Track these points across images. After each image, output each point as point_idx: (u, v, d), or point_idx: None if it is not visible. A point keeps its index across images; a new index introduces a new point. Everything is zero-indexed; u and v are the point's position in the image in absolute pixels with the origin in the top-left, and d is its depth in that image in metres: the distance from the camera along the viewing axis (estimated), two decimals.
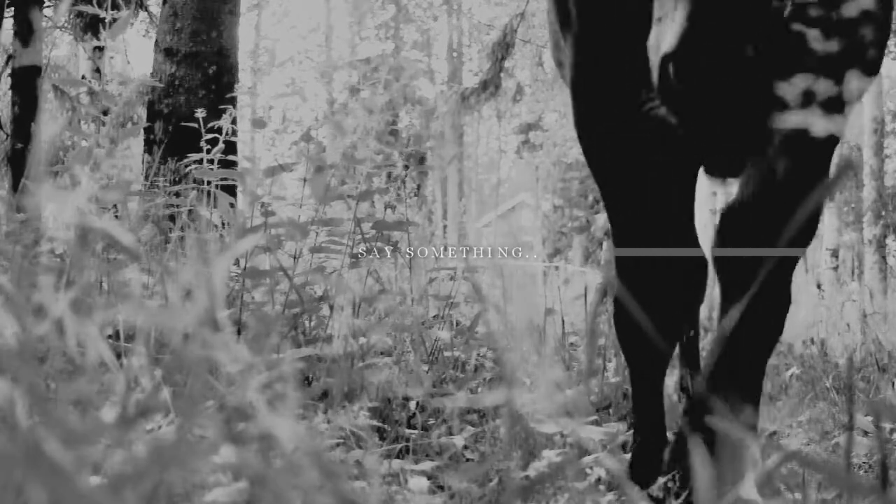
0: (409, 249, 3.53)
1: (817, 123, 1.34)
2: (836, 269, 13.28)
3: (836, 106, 1.41)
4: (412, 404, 2.18)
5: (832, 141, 1.49)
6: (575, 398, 2.27)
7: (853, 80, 1.43)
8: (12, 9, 5.85)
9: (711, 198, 8.73)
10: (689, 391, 2.47)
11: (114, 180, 2.93)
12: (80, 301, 0.83)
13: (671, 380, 2.51)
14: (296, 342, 2.46)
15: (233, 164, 4.72)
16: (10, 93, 5.84)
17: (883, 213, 12.12)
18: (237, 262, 2.55)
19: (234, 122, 4.39)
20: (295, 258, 2.72)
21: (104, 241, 1.60)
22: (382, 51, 25.57)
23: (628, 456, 1.87)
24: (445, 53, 26.31)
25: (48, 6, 8.21)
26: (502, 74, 12.32)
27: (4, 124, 6.09)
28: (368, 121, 3.13)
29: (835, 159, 1.57)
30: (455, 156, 24.09)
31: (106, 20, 2.95)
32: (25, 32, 5.53)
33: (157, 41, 6.73)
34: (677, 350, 2.52)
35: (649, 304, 1.69)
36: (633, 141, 1.63)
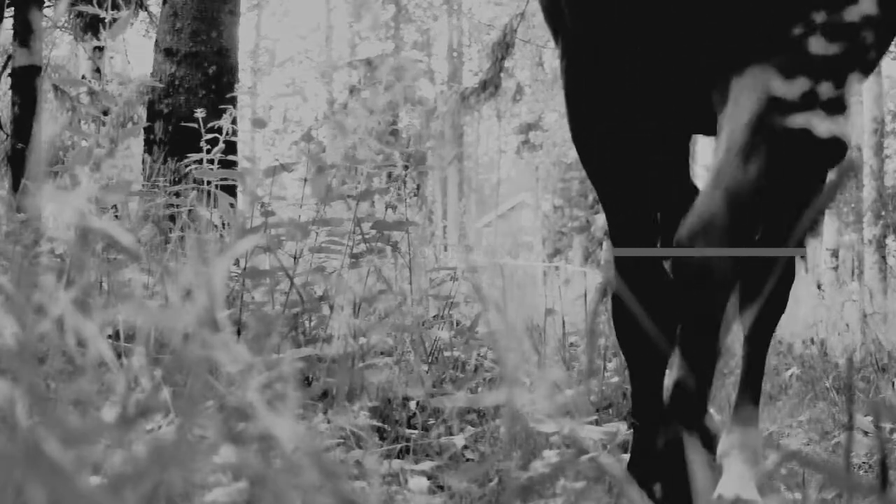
0: (409, 249, 3.53)
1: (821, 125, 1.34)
2: (836, 269, 13.27)
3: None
4: (412, 404, 2.18)
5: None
6: (575, 398, 2.27)
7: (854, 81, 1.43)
8: (12, 9, 5.85)
9: None
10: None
11: (114, 180, 2.93)
12: (80, 301, 0.83)
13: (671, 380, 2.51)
14: (296, 342, 2.46)
15: (233, 164, 4.72)
16: (10, 93, 5.84)
17: (883, 213, 12.12)
18: (237, 262, 2.55)
19: (234, 122, 4.39)
20: (295, 258, 2.72)
21: (104, 241, 1.60)
22: (382, 51, 25.56)
23: (628, 455, 1.87)
24: (445, 53, 26.32)
25: (48, 6, 8.20)
26: (502, 74, 12.32)
27: (4, 124, 6.08)
28: (369, 121, 3.13)
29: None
30: (455, 156, 24.09)
31: (106, 20, 2.95)
32: (25, 32, 5.53)
33: (157, 41, 6.73)
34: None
35: (648, 303, 1.69)
36: (629, 143, 1.64)
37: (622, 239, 1.72)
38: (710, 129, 1.81)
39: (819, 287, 8.44)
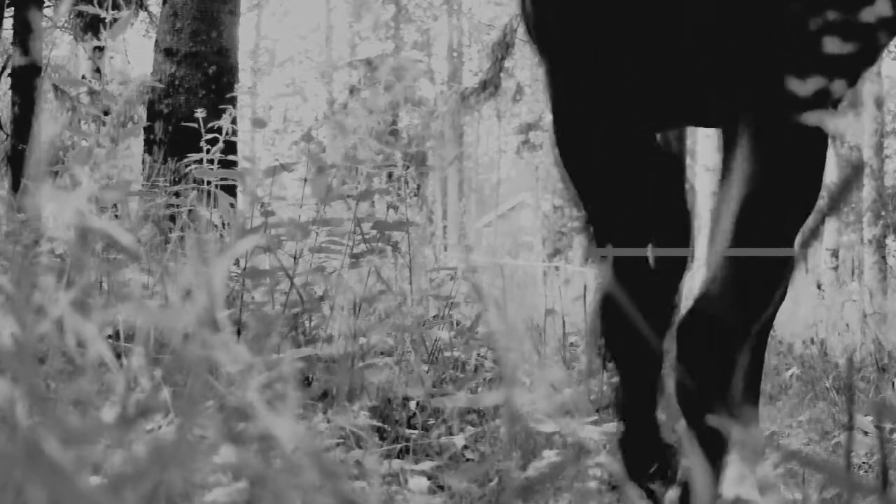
0: (410, 249, 3.53)
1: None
2: (836, 269, 13.27)
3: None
4: (412, 404, 2.18)
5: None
6: (575, 398, 2.28)
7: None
8: (12, 9, 5.85)
9: (712, 197, 8.73)
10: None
11: (114, 180, 2.93)
12: (79, 301, 0.83)
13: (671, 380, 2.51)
14: (296, 342, 2.46)
15: (233, 164, 4.72)
16: (10, 93, 5.84)
17: (883, 213, 12.12)
18: (237, 262, 2.55)
19: (234, 122, 4.39)
20: (295, 258, 2.72)
21: (104, 241, 1.60)
22: (382, 51, 25.56)
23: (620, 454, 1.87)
24: (445, 53, 26.31)
25: (48, 6, 8.20)
26: (502, 74, 12.33)
27: (4, 124, 6.09)
28: (369, 121, 3.13)
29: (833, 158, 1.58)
30: (455, 156, 24.09)
31: (106, 20, 2.95)
32: (25, 32, 5.53)
33: (157, 41, 6.73)
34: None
35: (640, 303, 1.69)
36: (617, 164, 1.63)
37: (605, 237, 1.71)
38: (698, 122, 1.82)
39: (819, 287, 8.45)
